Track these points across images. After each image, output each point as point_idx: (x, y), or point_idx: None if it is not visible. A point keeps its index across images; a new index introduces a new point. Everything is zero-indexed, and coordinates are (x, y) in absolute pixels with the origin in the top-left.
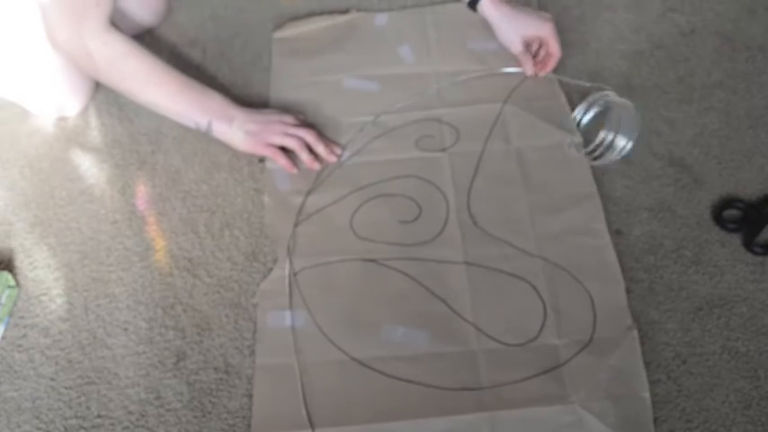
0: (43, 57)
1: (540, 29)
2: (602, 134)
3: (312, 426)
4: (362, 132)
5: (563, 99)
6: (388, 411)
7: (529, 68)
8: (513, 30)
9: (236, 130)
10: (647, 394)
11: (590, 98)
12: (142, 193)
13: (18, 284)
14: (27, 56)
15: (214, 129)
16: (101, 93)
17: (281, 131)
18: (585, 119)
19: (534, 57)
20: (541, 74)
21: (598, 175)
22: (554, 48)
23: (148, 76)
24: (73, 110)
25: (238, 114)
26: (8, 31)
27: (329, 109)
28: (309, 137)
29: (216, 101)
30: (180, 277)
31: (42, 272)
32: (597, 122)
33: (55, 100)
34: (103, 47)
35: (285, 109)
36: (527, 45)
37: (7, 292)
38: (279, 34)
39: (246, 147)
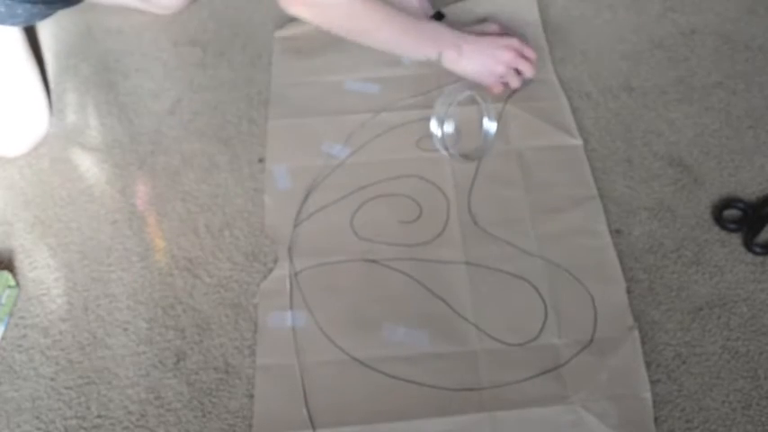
0: None
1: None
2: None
3: (313, 426)
4: (363, 129)
5: (563, 99)
6: (389, 411)
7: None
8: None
9: (465, 60)
10: (647, 394)
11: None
12: (142, 193)
13: (18, 284)
14: None
15: (444, 59)
16: (101, 93)
17: (506, 64)
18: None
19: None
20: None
21: (598, 175)
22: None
23: (381, 15)
24: (17, 150)
25: (465, 44)
26: None
27: (330, 107)
28: (525, 67)
29: (443, 32)
30: (180, 277)
31: (42, 272)
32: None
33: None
34: None
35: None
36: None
37: (7, 292)
38: (280, 33)
39: (477, 77)
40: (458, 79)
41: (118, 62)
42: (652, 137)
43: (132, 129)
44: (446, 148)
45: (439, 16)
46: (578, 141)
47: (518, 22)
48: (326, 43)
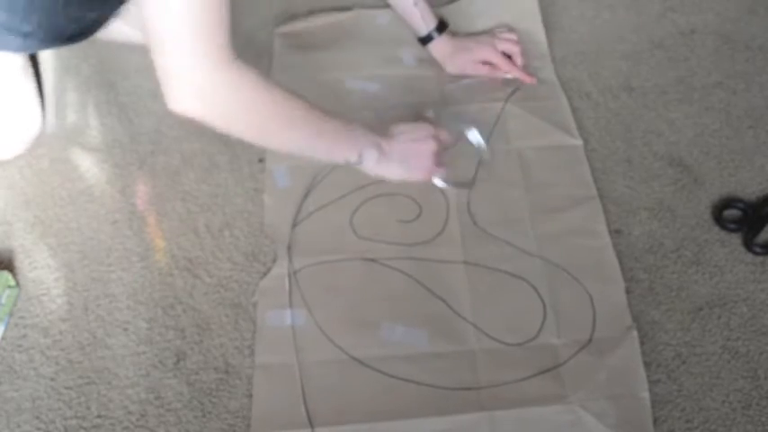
0: None
1: (482, 52)
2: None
3: (311, 425)
4: None
5: (563, 99)
6: (388, 411)
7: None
8: (461, 61)
9: (387, 160)
10: (646, 394)
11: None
12: (142, 193)
13: (18, 284)
14: None
15: (365, 161)
16: (101, 93)
17: (431, 155)
18: None
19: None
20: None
21: (598, 175)
22: (503, 66)
23: (289, 116)
24: (10, 152)
25: (384, 142)
26: None
27: (330, 106)
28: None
29: (360, 133)
30: (180, 277)
31: (42, 272)
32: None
33: None
34: (237, 79)
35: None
36: (487, 65)
37: (7, 292)
38: (281, 29)
39: (407, 177)
40: (457, 79)
41: (118, 62)
42: (652, 137)
43: (132, 129)
44: (441, 178)
45: (442, 26)
46: (578, 141)
47: (519, 22)
48: (327, 41)
